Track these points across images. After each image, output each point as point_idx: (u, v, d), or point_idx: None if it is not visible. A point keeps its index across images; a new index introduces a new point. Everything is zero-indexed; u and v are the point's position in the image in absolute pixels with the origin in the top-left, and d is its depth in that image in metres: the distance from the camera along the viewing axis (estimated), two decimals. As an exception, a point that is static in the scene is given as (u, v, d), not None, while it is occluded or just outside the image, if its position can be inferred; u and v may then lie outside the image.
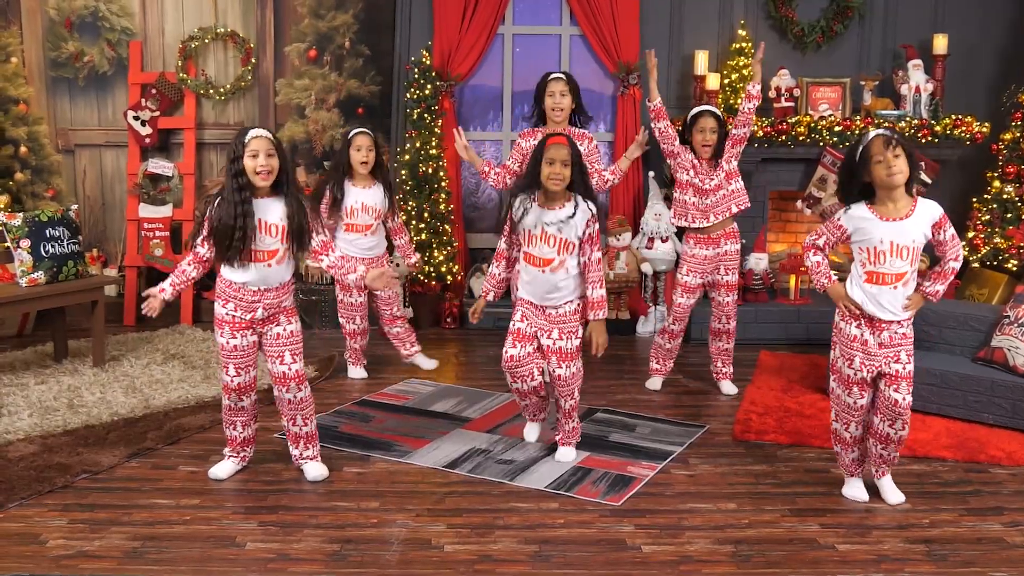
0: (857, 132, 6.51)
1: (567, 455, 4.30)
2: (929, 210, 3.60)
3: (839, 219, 3.70)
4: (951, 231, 3.63)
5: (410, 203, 6.73)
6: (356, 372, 5.64)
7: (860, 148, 3.58)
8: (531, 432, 4.52)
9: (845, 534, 3.58)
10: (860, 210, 3.64)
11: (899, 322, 3.65)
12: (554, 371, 4.13)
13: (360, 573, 3.26)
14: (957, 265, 3.70)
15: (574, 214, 3.99)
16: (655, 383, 5.45)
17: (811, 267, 3.83)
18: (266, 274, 3.82)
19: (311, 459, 4.09)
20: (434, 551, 3.42)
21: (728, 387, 5.37)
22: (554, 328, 4.10)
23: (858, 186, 3.63)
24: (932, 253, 4.08)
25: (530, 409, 4.42)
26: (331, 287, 6.77)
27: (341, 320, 5.56)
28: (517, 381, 4.19)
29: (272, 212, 3.80)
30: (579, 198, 4.02)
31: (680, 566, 3.32)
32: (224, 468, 4.08)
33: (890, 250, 3.58)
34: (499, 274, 4.28)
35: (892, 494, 3.85)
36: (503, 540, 3.51)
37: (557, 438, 4.34)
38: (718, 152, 5.06)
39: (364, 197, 5.30)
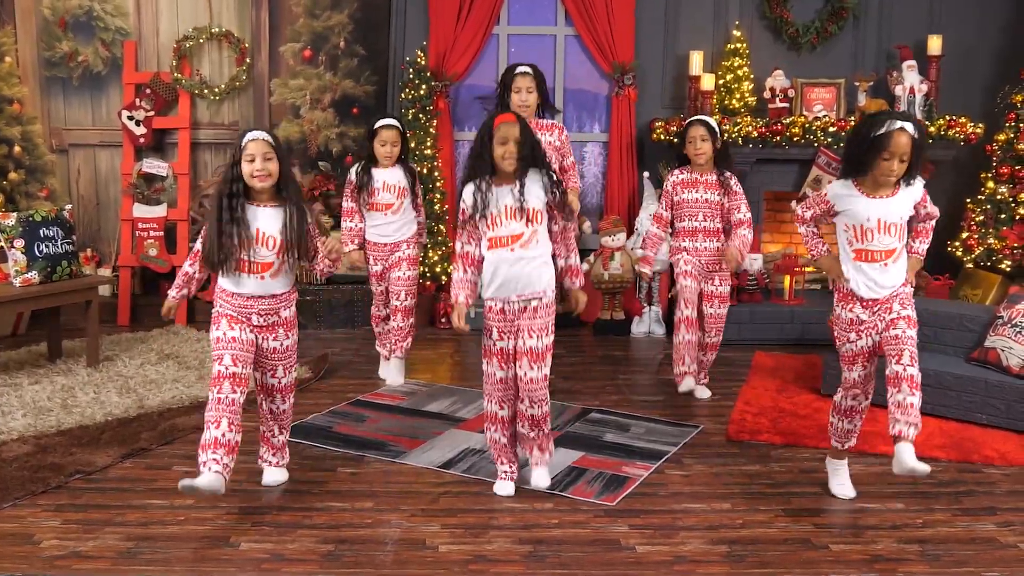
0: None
1: (543, 478, 3.94)
2: (912, 190, 3.61)
3: (825, 193, 3.70)
4: (929, 199, 3.67)
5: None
6: (385, 371, 5.54)
7: (881, 132, 3.45)
8: (507, 487, 3.94)
9: (839, 534, 3.58)
10: (846, 187, 3.63)
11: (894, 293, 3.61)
12: (525, 374, 3.73)
13: (354, 573, 3.26)
14: (934, 223, 3.76)
15: (527, 182, 3.70)
16: (690, 384, 5.15)
17: (803, 237, 3.85)
18: (259, 286, 3.66)
19: (274, 465, 4.01)
20: (428, 551, 3.42)
21: (702, 392, 5.28)
22: (525, 327, 3.73)
23: (861, 166, 3.56)
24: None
25: (507, 451, 3.95)
26: (326, 287, 6.78)
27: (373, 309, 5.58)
28: (505, 407, 3.86)
29: (271, 223, 3.64)
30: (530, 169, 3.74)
31: (674, 566, 3.32)
32: (215, 480, 3.47)
33: (877, 227, 3.57)
34: (468, 276, 3.81)
35: (908, 455, 3.39)
36: (497, 540, 3.51)
37: (532, 460, 3.95)
38: (717, 162, 5.03)
39: (385, 176, 5.26)
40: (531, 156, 3.72)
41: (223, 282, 3.70)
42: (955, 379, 4.81)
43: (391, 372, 5.48)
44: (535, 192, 3.72)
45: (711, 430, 4.74)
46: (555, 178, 3.78)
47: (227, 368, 3.58)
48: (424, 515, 3.72)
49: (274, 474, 4.01)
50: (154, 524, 3.60)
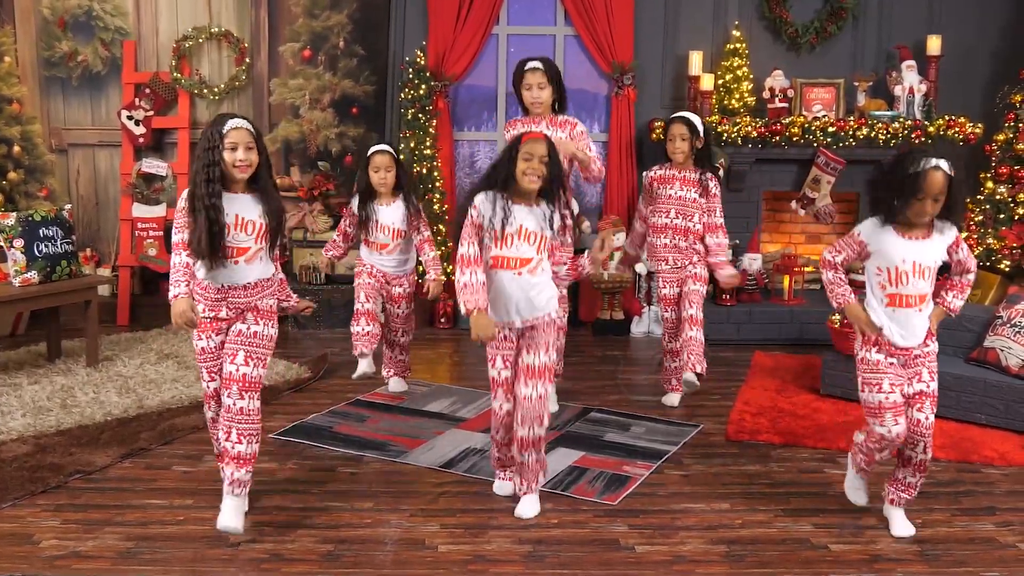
0: (851, 133, 6.53)
1: (531, 507, 3.71)
2: (945, 235, 3.43)
3: (859, 234, 3.51)
4: (965, 247, 3.49)
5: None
6: (361, 366, 5.05)
7: (917, 170, 3.27)
8: (506, 488, 3.92)
9: (838, 534, 3.58)
10: (880, 226, 3.44)
11: (924, 340, 3.48)
12: (520, 392, 3.60)
13: (354, 573, 3.26)
14: (973, 276, 3.56)
15: (551, 210, 3.62)
16: (672, 399, 5.15)
17: (827, 284, 3.59)
18: (232, 271, 3.44)
19: (233, 489, 3.46)
20: (428, 551, 3.42)
21: (689, 377, 4.90)
22: (525, 345, 3.63)
23: (894, 207, 3.36)
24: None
25: (507, 464, 3.87)
26: (326, 287, 6.78)
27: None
28: (511, 434, 3.72)
29: (249, 208, 3.44)
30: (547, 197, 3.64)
31: (673, 566, 3.33)
32: (234, 511, 3.47)
33: (912, 270, 3.38)
34: (478, 279, 3.56)
35: (901, 525, 3.59)
36: (497, 540, 3.51)
37: (520, 489, 3.74)
38: (698, 161, 4.90)
39: (381, 215, 4.99)
40: (557, 182, 3.61)
41: (198, 272, 3.47)
42: (954, 379, 4.81)
43: (394, 384, 5.32)
44: (553, 221, 3.62)
45: (710, 430, 4.74)
46: (571, 210, 3.73)
47: (208, 385, 3.55)
48: (424, 515, 3.72)
49: (226, 513, 3.43)
50: (153, 524, 3.60)
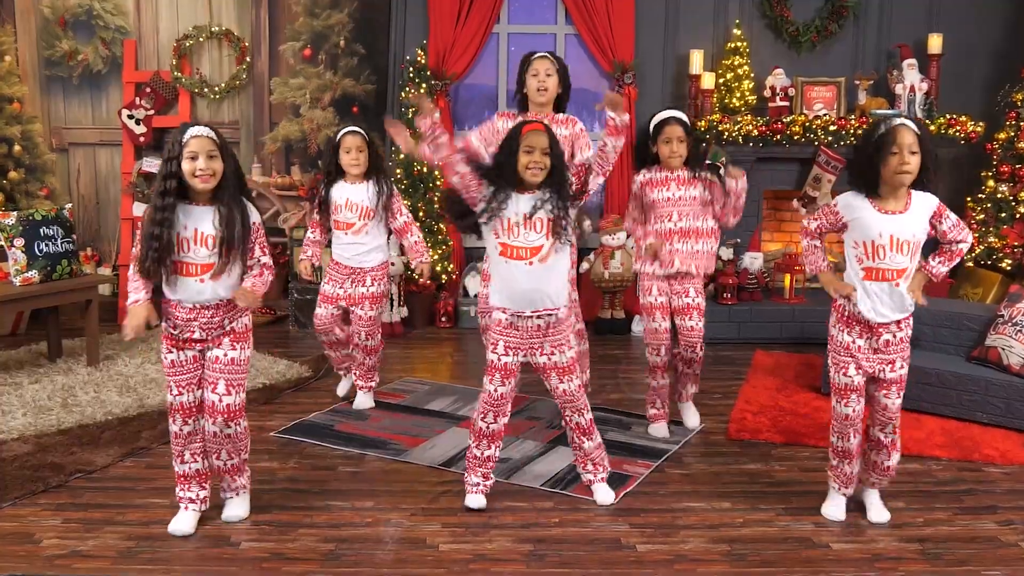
0: (852, 131, 6.53)
1: (607, 494, 3.82)
2: (925, 202, 3.42)
3: (835, 204, 3.51)
4: (952, 217, 3.47)
5: (405, 202, 6.71)
6: (342, 386, 5.18)
7: (882, 131, 3.33)
8: (478, 500, 3.77)
9: (839, 533, 3.58)
10: (857, 198, 3.44)
11: (898, 324, 3.48)
12: (557, 387, 3.67)
13: (355, 572, 3.26)
14: (965, 246, 3.52)
15: (550, 194, 3.54)
16: (660, 430, 4.66)
17: (803, 251, 3.67)
18: (198, 290, 3.33)
19: (235, 492, 3.65)
20: (429, 550, 3.42)
21: (690, 415, 4.81)
22: (545, 342, 3.63)
23: (872, 174, 3.36)
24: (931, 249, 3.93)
25: (485, 465, 3.75)
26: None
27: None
28: (499, 420, 3.70)
29: (208, 221, 3.32)
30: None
31: (674, 565, 3.32)
32: (187, 520, 3.54)
33: (890, 244, 3.37)
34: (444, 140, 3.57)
35: (877, 511, 3.68)
36: (498, 539, 3.51)
37: (587, 476, 3.86)
38: (689, 160, 4.42)
39: (349, 193, 4.81)
40: (559, 173, 3.55)
41: (165, 290, 3.37)
42: (955, 378, 4.81)
43: (360, 399, 5.04)
44: (557, 204, 3.54)
45: (711, 429, 4.74)
46: (573, 193, 3.60)
47: (175, 398, 3.45)
48: (425, 514, 3.72)
49: (232, 507, 3.65)
50: (155, 523, 3.60)
